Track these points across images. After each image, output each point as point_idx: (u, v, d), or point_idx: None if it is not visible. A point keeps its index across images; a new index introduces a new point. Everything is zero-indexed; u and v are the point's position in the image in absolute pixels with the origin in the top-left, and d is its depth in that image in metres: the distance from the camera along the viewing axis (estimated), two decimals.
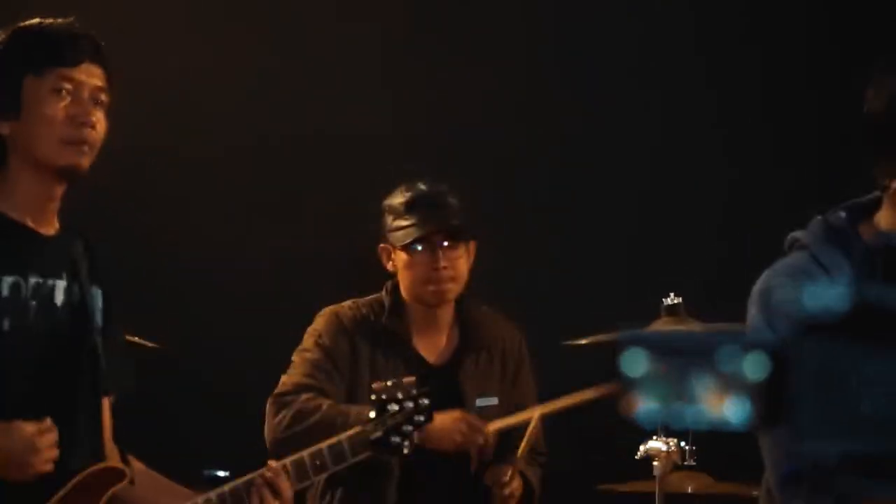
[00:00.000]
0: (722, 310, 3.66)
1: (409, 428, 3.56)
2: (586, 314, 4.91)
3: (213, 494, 3.33)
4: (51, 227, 3.28)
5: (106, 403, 3.41)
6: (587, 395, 4.48)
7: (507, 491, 4.33)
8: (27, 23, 3.26)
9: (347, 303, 4.58)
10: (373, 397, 3.51)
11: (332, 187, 5.56)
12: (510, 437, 4.57)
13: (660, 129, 5.77)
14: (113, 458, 3.42)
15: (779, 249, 3.22)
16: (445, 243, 4.47)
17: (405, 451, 3.54)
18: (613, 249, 5.54)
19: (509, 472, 4.39)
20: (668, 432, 4.41)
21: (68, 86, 3.19)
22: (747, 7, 5.82)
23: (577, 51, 5.83)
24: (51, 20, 3.27)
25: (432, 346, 4.61)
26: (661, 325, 4.41)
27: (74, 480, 3.22)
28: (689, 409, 1.47)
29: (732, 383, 1.46)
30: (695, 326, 4.28)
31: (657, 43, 5.82)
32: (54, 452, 3.15)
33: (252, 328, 5.38)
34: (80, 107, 3.20)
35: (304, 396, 4.13)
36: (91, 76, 3.23)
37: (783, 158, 5.62)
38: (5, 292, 3.20)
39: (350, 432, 3.44)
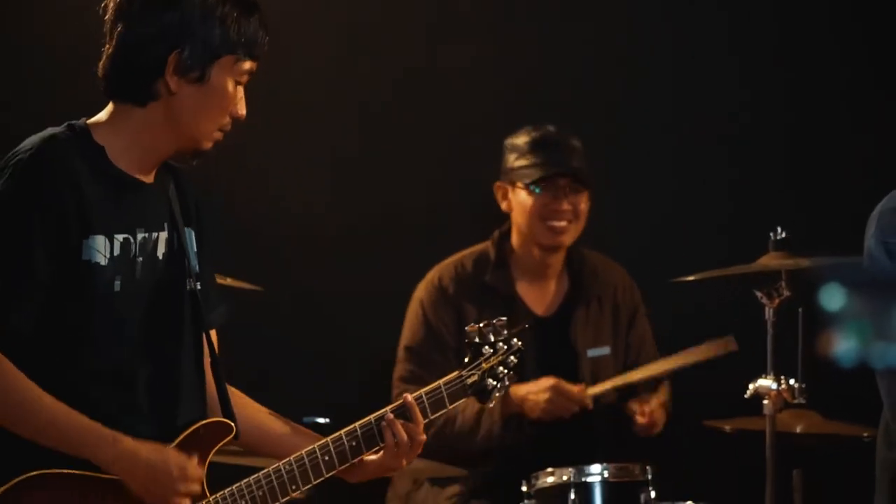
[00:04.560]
0: (830, 243, 3.66)
1: (503, 370, 3.56)
2: (693, 250, 4.99)
3: (342, 434, 3.35)
4: (152, 174, 3.29)
5: (212, 336, 3.43)
6: (700, 354, 4.59)
7: (646, 420, 4.56)
8: None
9: (452, 260, 4.70)
10: (466, 340, 3.54)
11: (436, 128, 5.58)
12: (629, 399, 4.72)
13: (763, 71, 5.70)
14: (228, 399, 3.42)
15: (884, 185, 3.41)
16: (568, 186, 4.57)
17: (499, 392, 3.54)
18: (718, 186, 5.53)
19: (652, 402, 4.60)
20: (777, 370, 4.41)
21: (245, 77, 3.26)
22: None
23: None
24: (252, 5, 3.29)
25: (541, 297, 4.70)
26: (769, 261, 4.42)
27: (184, 434, 3.25)
28: (891, 348, 1.41)
29: None
30: (805, 261, 4.36)
31: None
32: (197, 493, 3.22)
33: (353, 272, 5.42)
34: (242, 99, 3.26)
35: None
36: (255, 67, 3.29)
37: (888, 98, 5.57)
38: (117, 251, 3.20)
39: (446, 377, 3.47)
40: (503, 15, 5.73)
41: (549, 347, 4.64)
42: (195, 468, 3.25)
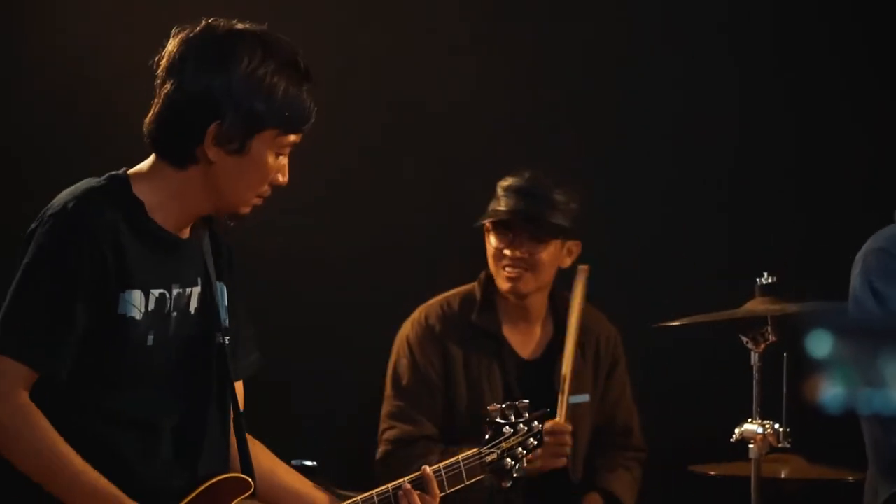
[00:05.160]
0: (817, 289, 3.78)
1: (522, 451, 3.59)
2: (679, 295, 5.00)
3: (360, 499, 3.36)
4: (188, 230, 3.28)
5: (239, 387, 3.44)
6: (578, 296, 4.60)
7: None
8: (289, 64, 3.21)
9: (438, 300, 4.70)
10: (487, 419, 3.55)
11: (430, 168, 5.59)
12: (604, 449, 4.75)
13: (748, 112, 5.69)
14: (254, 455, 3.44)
15: (870, 227, 3.42)
16: (525, 234, 4.54)
17: (516, 474, 3.56)
18: (705, 230, 5.50)
19: None
20: (762, 414, 4.41)
21: (287, 150, 3.22)
22: None
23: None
24: (302, 76, 3.22)
25: (525, 340, 4.70)
26: (756, 306, 4.42)
27: (202, 487, 3.27)
28: (877, 394, 1.40)
29: None
30: (791, 307, 4.35)
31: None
32: None
33: (355, 291, 5.40)
34: (284, 168, 3.23)
35: (416, 451, 4.36)
36: (299, 138, 3.26)
37: (874, 137, 5.52)
38: (152, 306, 3.21)
39: (466, 453, 3.48)
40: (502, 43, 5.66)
41: (533, 391, 4.50)
42: None
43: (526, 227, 4.55)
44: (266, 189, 3.24)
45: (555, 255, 4.60)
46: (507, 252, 4.56)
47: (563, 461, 4.48)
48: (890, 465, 3.27)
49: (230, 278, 3.39)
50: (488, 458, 3.52)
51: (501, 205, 4.59)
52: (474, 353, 4.60)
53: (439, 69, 5.63)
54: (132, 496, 3.17)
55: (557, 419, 4.46)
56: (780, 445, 4.38)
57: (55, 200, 3.20)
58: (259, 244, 4.67)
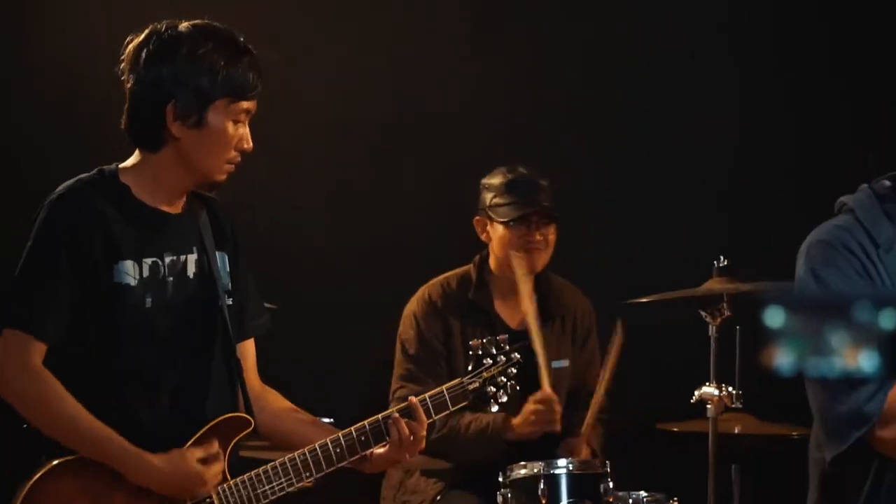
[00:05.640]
0: (767, 270, 3.90)
1: (504, 379, 3.56)
2: (647, 275, 5.01)
3: (352, 429, 3.45)
4: (179, 206, 3.43)
5: (250, 345, 3.58)
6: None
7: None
8: (227, 43, 3.35)
9: (439, 279, 4.90)
10: (470, 353, 3.57)
11: (426, 167, 5.64)
12: (577, 407, 4.86)
13: (748, 111, 5.59)
14: (259, 399, 3.55)
15: (819, 216, 3.29)
16: (539, 220, 4.77)
17: (501, 399, 3.55)
18: (670, 218, 5.54)
19: (581, 449, 4.72)
20: (718, 379, 4.47)
21: (244, 116, 3.36)
22: None
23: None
24: (240, 50, 3.34)
25: (514, 313, 4.88)
26: (713, 285, 4.53)
27: (207, 426, 3.41)
28: (824, 360, 1.44)
29: (866, 336, 1.43)
30: (744, 286, 4.45)
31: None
32: (218, 479, 3.38)
33: (355, 291, 5.46)
34: (245, 134, 3.37)
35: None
36: (253, 105, 3.39)
37: (826, 133, 5.50)
38: (146, 273, 3.35)
39: (449, 383, 3.50)
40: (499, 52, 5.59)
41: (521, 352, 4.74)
42: (213, 459, 3.37)
43: (545, 214, 4.80)
44: (234, 155, 3.35)
45: (556, 233, 4.85)
46: (529, 238, 4.76)
47: (556, 426, 4.67)
48: (833, 430, 3.11)
49: (233, 248, 3.51)
50: (471, 387, 3.52)
51: (511, 199, 4.79)
52: (470, 325, 4.79)
53: (440, 69, 5.57)
54: (141, 443, 3.33)
55: (543, 389, 4.64)
56: (733, 406, 4.47)
57: (52, 193, 3.37)
58: (259, 244, 4.55)
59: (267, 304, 3.80)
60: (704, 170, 5.61)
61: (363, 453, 3.44)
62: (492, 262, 4.92)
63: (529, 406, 4.66)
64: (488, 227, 4.88)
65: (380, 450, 3.44)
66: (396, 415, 3.44)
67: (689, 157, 5.60)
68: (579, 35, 5.60)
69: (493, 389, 3.54)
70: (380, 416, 3.45)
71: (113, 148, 3.75)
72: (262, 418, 3.52)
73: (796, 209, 4.34)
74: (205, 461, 3.37)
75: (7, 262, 3.51)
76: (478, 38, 5.61)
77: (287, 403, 3.61)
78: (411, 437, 3.43)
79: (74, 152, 4.96)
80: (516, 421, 4.69)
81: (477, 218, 4.91)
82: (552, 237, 4.86)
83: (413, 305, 4.94)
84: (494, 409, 3.55)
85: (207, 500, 3.39)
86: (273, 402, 3.59)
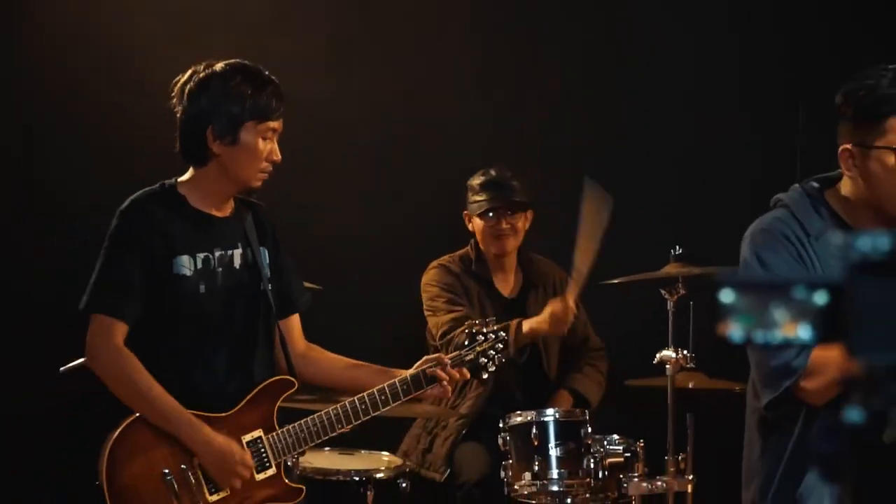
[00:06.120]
0: (718, 257, 3.94)
1: (493, 352, 3.88)
2: (616, 261, 5.02)
3: (396, 381, 3.76)
4: (228, 210, 3.76)
5: (296, 319, 3.89)
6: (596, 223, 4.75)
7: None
8: (253, 76, 3.65)
9: (446, 257, 5.46)
10: (467, 331, 3.92)
11: (430, 169, 5.78)
12: (565, 361, 5.24)
13: (747, 111, 5.53)
14: (305, 357, 3.81)
15: (760, 209, 3.41)
16: (508, 213, 5.32)
17: (490, 368, 3.88)
18: (633, 210, 5.47)
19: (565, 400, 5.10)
20: (675, 344, 4.66)
21: (271, 134, 3.70)
22: None
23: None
24: (265, 81, 3.65)
25: (505, 284, 5.52)
26: (671, 269, 4.79)
27: (257, 389, 3.74)
28: (767, 331, 1.50)
29: (803, 311, 1.49)
30: (695, 269, 4.71)
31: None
32: (247, 475, 3.65)
33: (344, 317, 5.47)
34: (274, 149, 3.69)
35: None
36: (279, 125, 3.72)
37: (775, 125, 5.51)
38: (199, 265, 3.65)
39: (451, 354, 3.86)
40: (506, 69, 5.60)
41: (511, 317, 5.18)
42: (245, 468, 3.61)
43: (509, 207, 5.29)
44: (266, 166, 3.65)
45: (524, 222, 5.37)
46: (498, 227, 5.26)
47: (564, 328, 4.96)
48: (767, 380, 3.22)
49: (273, 244, 3.83)
50: (467, 358, 3.83)
51: (484, 196, 5.29)
52: (475, 289, 5.32)
53: (440, 69, 5.62)
54: (199, 404, 3.62)
55: (566, 297, 4.91)
56: (688, 366, 4.71)
57: (122, 203, 3.67)
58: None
59: (313, 286, 4.16)
60: (703, 170, 5.55)
61: (407, 398, 3.76)
62: (480, 246, 5.46)
63: (548, 308, 5.00)
64: (472, 221, 5.44)
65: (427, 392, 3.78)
66: (432, 368, 3.72)
67: (729, 156, 5.53)
68: (579, 35, 5.58)
69: (485, 360, 3.87)
70: (417, 369, 3.77)
71: (114, 147, 4.10)
72: (311, 371, 3.85)
73: (740, 206, 4.26)
74: (243, 459, 3.64)
75: (7, 259, 3.58)
76: (478, 38, 5.67)
77: (329, 354, 3.93)
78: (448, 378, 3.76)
79: (74, 152, 5.02)
80: (534, 319, 5.02)
81: (465, 212, 5.48)
82: (521, 224, 5.32)
83: (429, 275, 5.38)
84: (485, 376, 3.89)
85: (259, 443, 3.69)
86: (318, 357, 3.90)
